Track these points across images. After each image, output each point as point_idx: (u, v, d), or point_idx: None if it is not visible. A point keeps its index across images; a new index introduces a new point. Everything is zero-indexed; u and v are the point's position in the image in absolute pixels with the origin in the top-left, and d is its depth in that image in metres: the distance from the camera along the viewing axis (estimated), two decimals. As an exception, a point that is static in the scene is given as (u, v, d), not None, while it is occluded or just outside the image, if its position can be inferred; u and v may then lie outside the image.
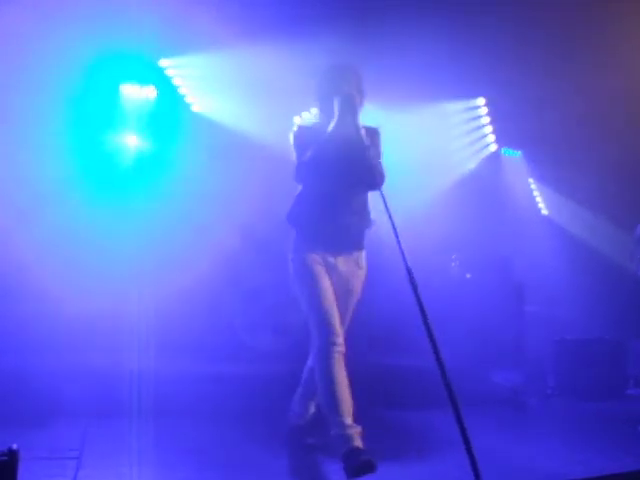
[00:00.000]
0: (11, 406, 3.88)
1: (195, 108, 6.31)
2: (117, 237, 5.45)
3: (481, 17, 5.49)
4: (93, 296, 5.07)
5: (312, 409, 3.53)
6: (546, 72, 6.12)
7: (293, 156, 3.40)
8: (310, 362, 3.42)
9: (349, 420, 3.05)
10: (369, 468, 2.82)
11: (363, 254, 3.46)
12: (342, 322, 3.32)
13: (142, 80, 5.99)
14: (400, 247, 2.82)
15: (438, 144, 7.10)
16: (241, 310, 5.73)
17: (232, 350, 5.36)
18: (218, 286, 5.68)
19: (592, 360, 5.64)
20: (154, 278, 5.24)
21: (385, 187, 3.33)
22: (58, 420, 3.94)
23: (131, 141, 6.00)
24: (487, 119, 7.56)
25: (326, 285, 3.28)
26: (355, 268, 3.42)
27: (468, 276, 6.56)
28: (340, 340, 3.21)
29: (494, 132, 7.68)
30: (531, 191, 8.31)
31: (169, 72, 6.09)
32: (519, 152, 7.95)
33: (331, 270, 3.35)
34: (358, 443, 2.95)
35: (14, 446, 2.07)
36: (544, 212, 8.37)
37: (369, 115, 3.45)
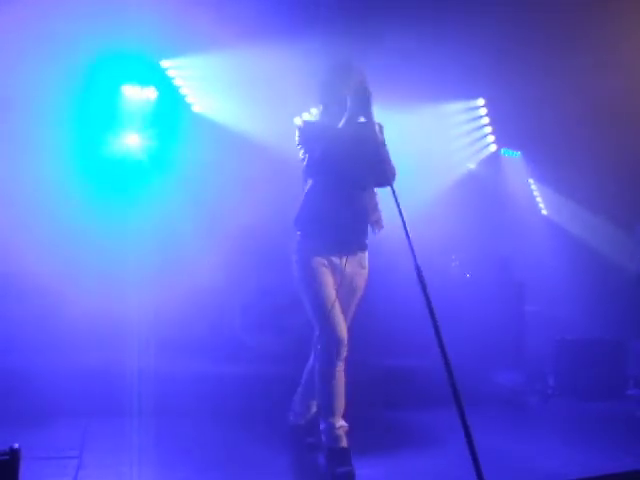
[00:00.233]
0: (11, 406, 3.89)
1: (196, 108, 6.32)
2: (118, 237, 5.45)
3: (481, 17, 5.49)
4: (94, 296, 5.07)
5: (313, 409, 3.55)
6: (546, 72, 6.12)
7: (300, 152, 3.37)
8: (311, 362, 3.43)
9: (340, 421, 3.26)
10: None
11: (366, 254, 3.49)
12: (345, 319, 3.35)
13: (143, 81, 5.99)
14: (410, 244, 2.79)
15: (438, 144, 7.11)
16: (242, 310, 5.73)
17: (232, 350, 5.36)
18: (219, 286, 5.68)
19: (592, 360, 5.63)
20: (155, 278, 5.24)
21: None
22: (58, 420, 3.94)
23: (132, 142, 6.00)
24: (487, 119, 7.58)
25: (331, 288, 3.29)
26: (359, 268, 3.45)
27: (468, 276, 6.56)
28: (344, 349, 3.26)
29: (494, 132, 7.69)
30: (531, 191, 8.32)
31: (170, 73, 6.10)
32: (518, 152, 7.96)
33: (336, 271, 3.36)
34: (344, 443, 3.21)
35: (15, 445, 2.07)
36: (544, 212, 8.38)
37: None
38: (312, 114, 3.43)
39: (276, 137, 5.64)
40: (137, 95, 6.01)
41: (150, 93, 6.05)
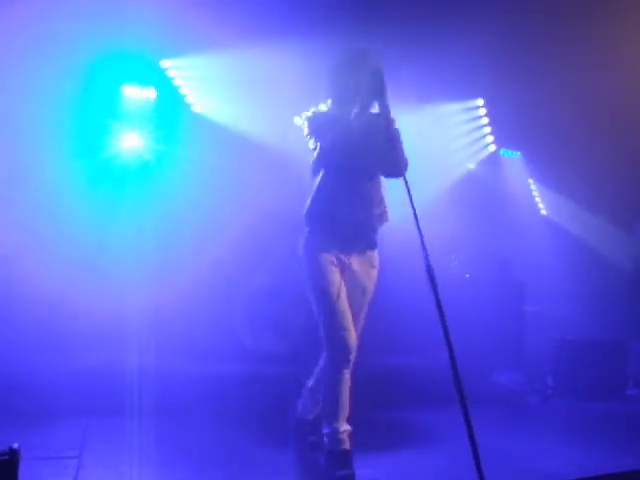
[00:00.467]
0: (11, 406, 3.89)
1: (196, 109, 6.32)
2: (118, 237, 5.45)
3: (481, 17, 5.49)
4: (94, 296, 5.08)
5: (320, 405, 3.49)
6: (545, 72, 6.13)
7: (310, 142, 3.29)
8: (322, 362, 3.36)
9: (344, 425, 3.21)
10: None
11: (376, 253, 3.40)
12: (356, 322, 3.29)
13: (143, 81, 6.00)
14: (422, 240, 2.77)
15: (437, 145, 7.11)
16: (242, 311, 5.73)
17: (233, 350, 5.36)
18: (219, 286, 5.68)
19: (592, 360, 5.63)
20: (155, 278, 5.24)
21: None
22: (58, 420, 3.94)
23: (132, 142, 6.00)
24: (486, 120, 7.57)
25: (340, 288, 3.19)
26: (368, 268, 3.36)
27: (468, 276, 6.56)
28: (353, 355, 3.20)
29: (493, 133, 7.69)
30: (530, 191, 8.33)
31: (170, 73, 6.10)
32: (518, 153, 7.96)
33: (345, 269, 3.29)
34: (346, 445, 3.17)
35: (15, 445, 2.07)
36: (543, 212, 8.38)
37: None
38: (320, 109, 3.34)
39: (276, 137, 5.65)
40: (137, 95, 6.02)
41: (150, 93, 6.05)
